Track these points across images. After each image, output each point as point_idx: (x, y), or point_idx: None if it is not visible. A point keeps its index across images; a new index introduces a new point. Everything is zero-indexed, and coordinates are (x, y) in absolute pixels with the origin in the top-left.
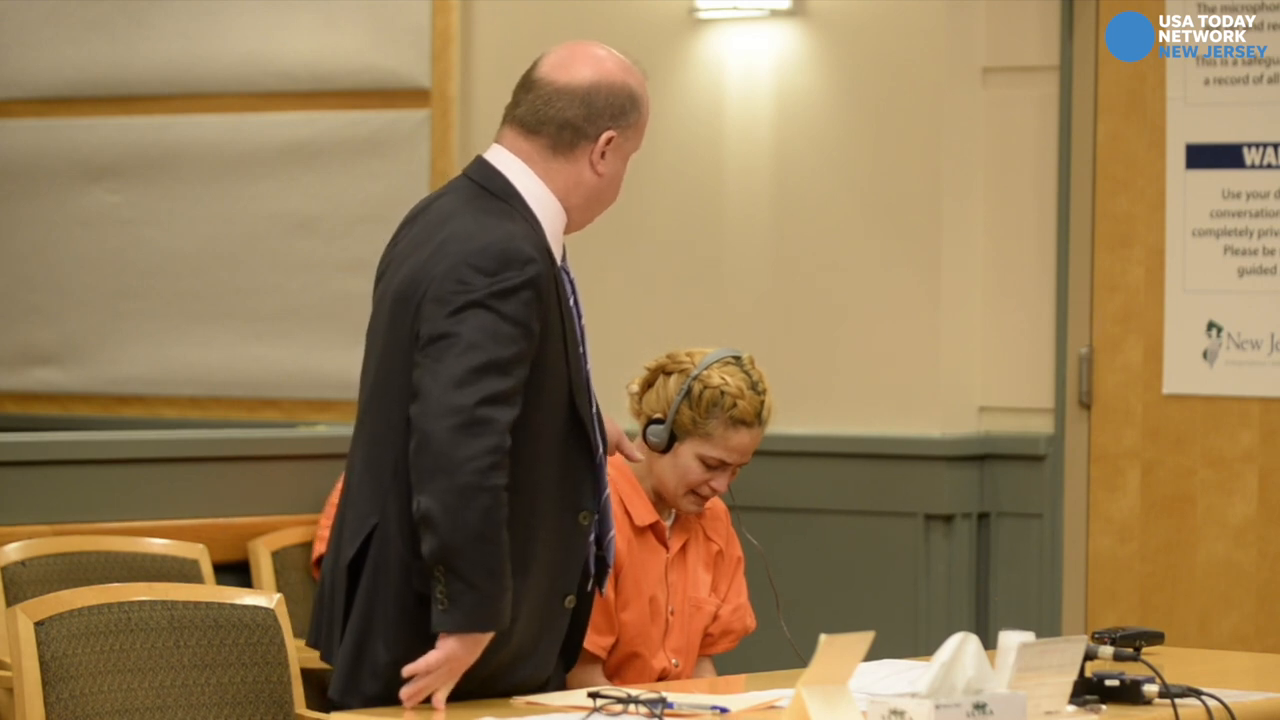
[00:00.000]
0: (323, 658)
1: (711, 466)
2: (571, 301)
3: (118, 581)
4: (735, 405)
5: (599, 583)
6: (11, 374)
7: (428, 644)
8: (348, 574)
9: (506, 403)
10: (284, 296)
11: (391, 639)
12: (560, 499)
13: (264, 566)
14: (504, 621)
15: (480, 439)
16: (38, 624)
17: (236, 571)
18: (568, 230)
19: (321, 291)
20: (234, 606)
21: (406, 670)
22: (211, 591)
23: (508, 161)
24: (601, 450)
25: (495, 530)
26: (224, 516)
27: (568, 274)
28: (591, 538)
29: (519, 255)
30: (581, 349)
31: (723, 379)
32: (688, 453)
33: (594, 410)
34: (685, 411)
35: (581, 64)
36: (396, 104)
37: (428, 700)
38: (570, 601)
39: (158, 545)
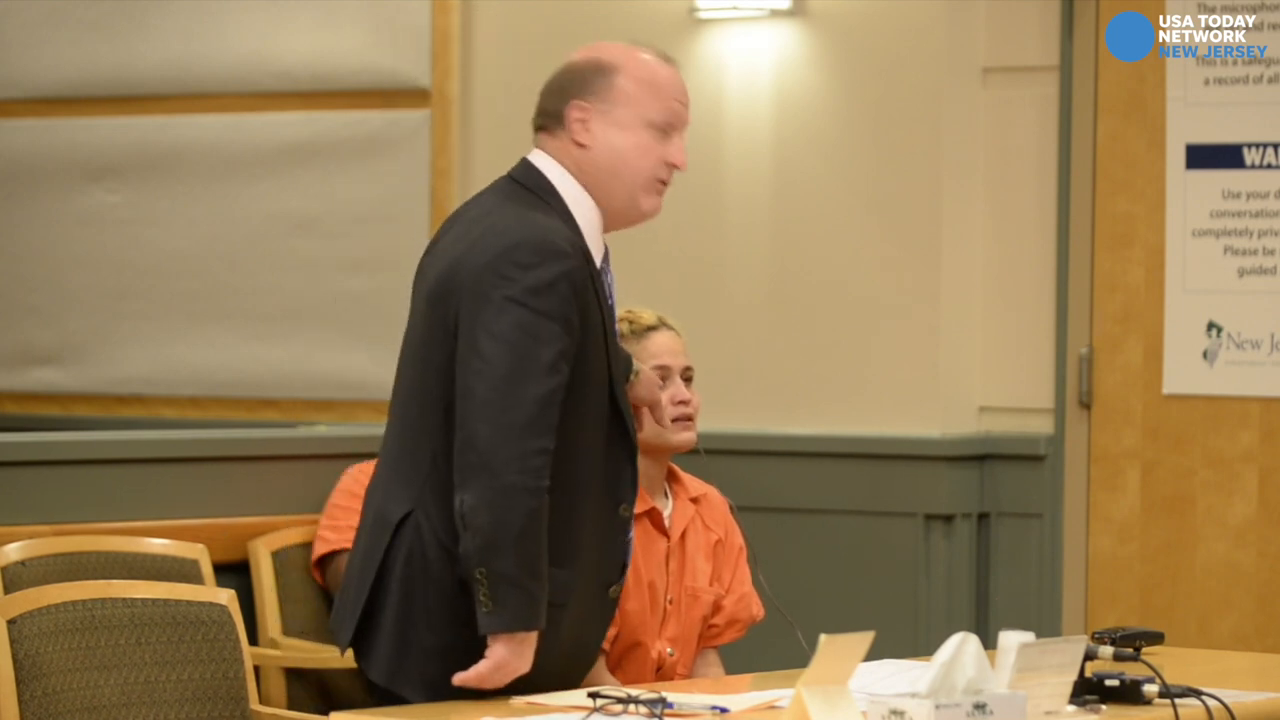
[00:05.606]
0: (342, 647)
1: (662, 383)
2: (611, 301)
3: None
4: (631, 323)
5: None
6: (11, 374)
7: (471, 629)
8: (381, 561)
9: (550, 402)
10: (284, 296)
11: (436, 624)
12: (602, 492)
13: (264, 566)
14: (543, 621)
15: (525, 440)
16: (10, 622)
17: (236, 571)
18: (612, 223)
19: (321, 291)
20: (189, 604)
21: (457, 680)
22: (167, 589)
23: (543, 160)
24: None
25: (538, 530)
26: (224, 516)
27: (608, 274)
28: (631, 532)
29: (553, 249)
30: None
31: None
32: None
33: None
34: None
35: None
36: (396, 104)
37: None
38: (615, 591)
39: (158, 545)
